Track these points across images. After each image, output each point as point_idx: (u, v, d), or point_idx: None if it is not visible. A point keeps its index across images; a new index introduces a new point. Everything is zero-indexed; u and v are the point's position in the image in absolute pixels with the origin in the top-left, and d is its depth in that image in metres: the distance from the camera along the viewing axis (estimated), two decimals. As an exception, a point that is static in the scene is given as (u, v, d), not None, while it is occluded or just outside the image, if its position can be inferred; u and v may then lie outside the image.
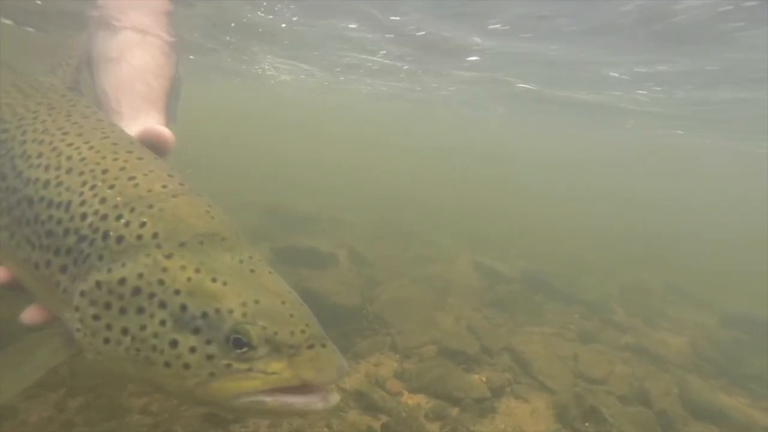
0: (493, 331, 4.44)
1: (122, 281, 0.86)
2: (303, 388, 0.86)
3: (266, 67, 11.56)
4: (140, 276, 0.85)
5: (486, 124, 23.08)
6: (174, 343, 0.83)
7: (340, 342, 3.66)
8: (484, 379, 3.50)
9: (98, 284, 0.86)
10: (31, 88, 1.20)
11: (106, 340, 0.86)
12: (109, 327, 0.85)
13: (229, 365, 0.83)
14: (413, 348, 3.80)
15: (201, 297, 0.85)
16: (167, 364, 0.83)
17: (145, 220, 0.90)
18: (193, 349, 0.83)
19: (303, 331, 0.87)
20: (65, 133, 1.06)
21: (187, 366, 0.83)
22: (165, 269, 0.86)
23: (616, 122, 14.56)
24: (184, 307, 0.84)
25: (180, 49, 2.09)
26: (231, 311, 0.84)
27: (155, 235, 0.89)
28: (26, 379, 0.90)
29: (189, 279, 0.86)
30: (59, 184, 0.97)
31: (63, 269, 0.92)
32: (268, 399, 0.84)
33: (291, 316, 0.88)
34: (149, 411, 2.51)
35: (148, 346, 0.84)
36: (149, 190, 0.95)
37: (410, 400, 3.17)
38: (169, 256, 0.87)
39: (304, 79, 13.37)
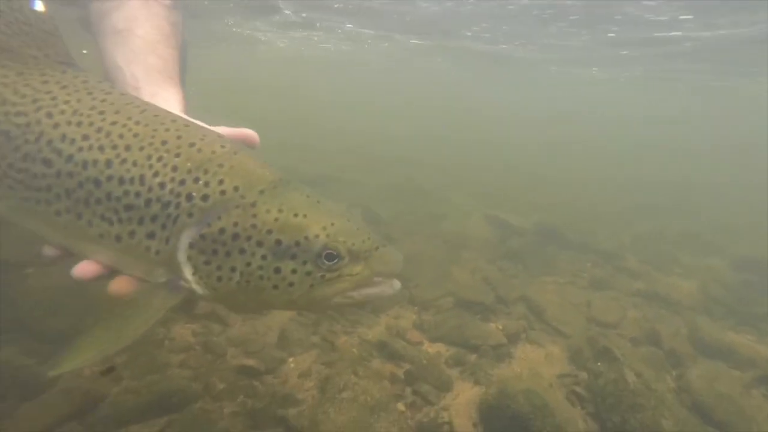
0: (508, 282, 4.56)
1: (222, 231, 1.02)
2: (375, 280, 1.12)
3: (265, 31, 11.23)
4: (236, 224, 1.02)
5: (489, 82, 22.43)
6: (277, 270, 1.03)
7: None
8: (500, 327, 3.65)
9: (203, 236, 1.02)
10: (23, 66, 1.14)
11: (219, 279, 1.04)
12: (219, 268, 1.03)
13: (323, 276, 1.06)
14: (431, 300, 3.94)
15: (290, 230, 1.04)
16: (275, 287, 1.04)
17: (222, 177, 1.04)
18: (294, 271, 1.04)
19: (369, 238, 1.11)
20: (102, 112, 1.09)
21: (291, 284, 1.04)
22: (254, 215, 1.02)
23: (627, 68, 14.08)
24: (279, 242, 1.03)
25: (182, 14, 2.05)
26: (317, 236, 1.05)
27: (236, 188, 1.03)
28: (146, 324, 1.03)
29: (276, 219, 1.04)
30: (123, 161, 1.04)
31: (150, 235, 1.04)
32: (355, 294, 1.10)
33: (358, 229, 1.11)
34: (187, 365, 2.69)
35: (255, 277, 1.03)
36: (213, 152, 1.07)
37: (430, 348, 3.34)
38: (254, 204, 1.03)
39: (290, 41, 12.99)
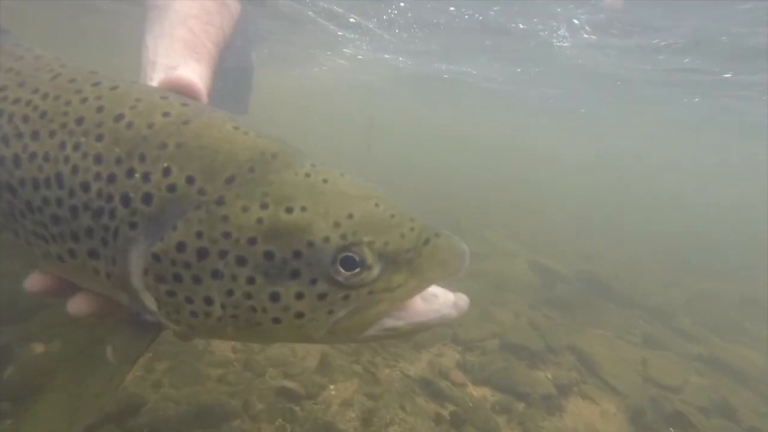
0: (555, 329, 4.30)
1: (181, 246, 0.70)
2: (430, 294, 0.78)
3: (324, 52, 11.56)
4: (199, 235, 0.69)
5: (535, 123, 22.42)
6: (275, 297, 0.71)
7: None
8: (549, 376, 3.40)
9: (155, 257, 0.70)
10: None
11: (193, 314, 0.73)
12: (189, 300, 0.72)
13: (347, 296, 0.71)
14: (475, 341, 3.75)
15: (284, 235, 0.69)
16: (276, 320, 0.72)
17: (167, 164, 0.71)
18: (299, 295, 0.71)
19: (412, 229, 0.75)
20: (3, 89, 0.80)
21: (300, 315, 0.72)
22: (225, 218, 0.69)
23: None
24: (269, 255, 0.70)
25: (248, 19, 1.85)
26: (327, 239, 0.70)
27: (190, 180, 0.70)
28: (111, 385, 0.79)
29: (260, 220, 0.70)
30: (33, 156, 0.74)
31: (93, 254, 0.75)
32: (400, 323, 0.75)
33: (392, 216, 0.74)
34: (226, 381, 2.60)
35: (245, 309, 0.71)
36: (150, 125, 0.73)
37: (475, 391, 3.13)
38: (221, 201, 0.70)
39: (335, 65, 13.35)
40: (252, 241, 0.69)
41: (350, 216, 0.72)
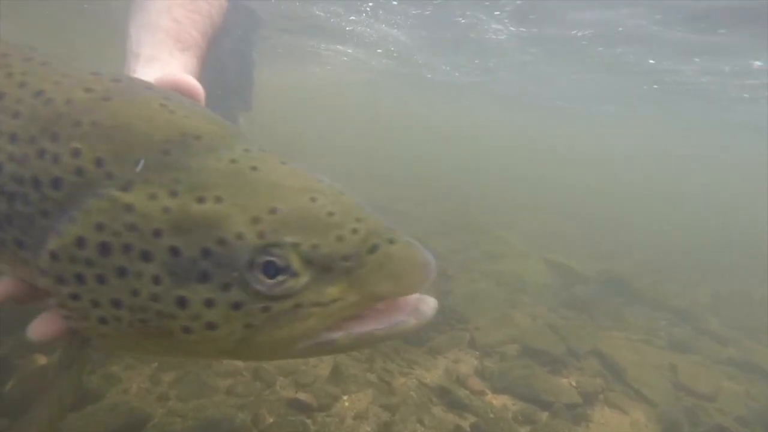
0: (575, 332, 4.12)
1: (80, 242, 0.61)
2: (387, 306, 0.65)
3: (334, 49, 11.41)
4: (100, 227, 0.60)
5: (551, 120, 22.07)
6: (182, 302, 0.61)
7: (415, 336, 3.51)
8: (573, 383, 3.23)
9: (53, 255, 0.62)
10: None
11: (102, 320, 0.64)
12: (95, 304, 0.63)
13: (266, 308, 0.61)
14: (493, 345, 3.59)
15: (193, 229, 0.60)
16: (186, 330, 0.62)
17: (76, 145, 0.63)
18: (209, 302, 0.60)
19: (355, 231, 0.63)
20: None
21: (212, 326, 0.61)
22: (129, 206, 0.60)
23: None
24: (174, 251, 0.60)
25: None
26: (240, 235, 0.60)
27: (99, 162, 0.62)
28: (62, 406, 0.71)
29: (166, 209, 0.60)
30: None
31: (19, 244, 0.67)
32: (337, 336, 0.64)
33: (330, 214, 0.63)
34: (235, 392, 2.49)
35: (152, 314, 0.62)
36: (68, 101, 0.66)
37: (495, 400, 2.97)
38: (127, 187, 0.61)
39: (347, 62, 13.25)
40: (157, 233, 0.60)
41: (273, 210, 0.61)
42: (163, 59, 0.94)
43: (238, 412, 2.29)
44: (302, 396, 2.51)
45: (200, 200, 0.61)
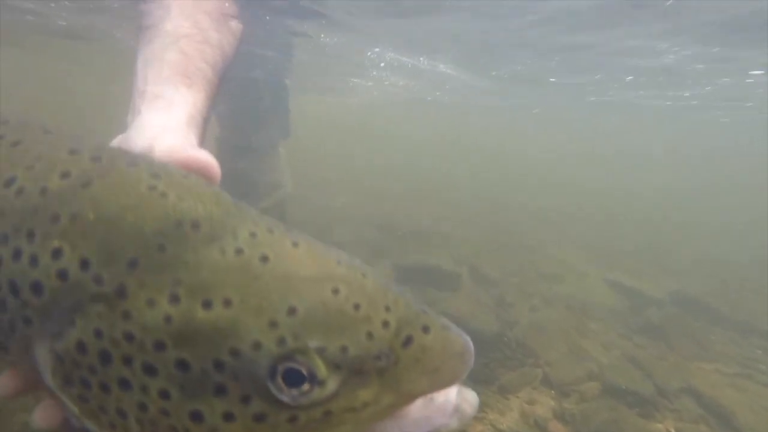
0: (660, 364, 3.71)
1: (81, 347, 0.55)
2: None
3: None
4: (98, 335, 0.55)
5: (602, 123, 21.18)
6: (197, 416, 0.54)
7: (483, 374, 3.24)
8: (672, 430, 2.84)
9: (58, 357, 0.57)
10: None
11: (112, 426, 0.58)
12: (103, 410, 0.57)
13: (293, 418, 0.54)
14: (570, 384, 3.25)
15: (200, 340, 0.53)
16: None
17: (57, 244, 0.56)
18: (229, 416, 0.54)
19: (386, 324, 0.56)
20: None
21: None
22: (126, 314, 0.54)
23: None
24: (182, 365, 0.54)
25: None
26: (257, 345, 0.53)
27: (85, 265, 0.56)
28: None
29: (167, 318, 0.54)
30: None
31: (4, 350, 0.63)
32: None
33: (356, 307, 0.56)
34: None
35: (165, 429, 0.56)
36: (42, 191, 0.59)
37: (582, 450, 2.64)
38: (121, 292, 0.55)
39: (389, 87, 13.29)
40: (159, 346, 0.54)
41: (292, 311, 0.54)
42: (167, 97, 0.90)
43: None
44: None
45: (206, 305, 0.54)
